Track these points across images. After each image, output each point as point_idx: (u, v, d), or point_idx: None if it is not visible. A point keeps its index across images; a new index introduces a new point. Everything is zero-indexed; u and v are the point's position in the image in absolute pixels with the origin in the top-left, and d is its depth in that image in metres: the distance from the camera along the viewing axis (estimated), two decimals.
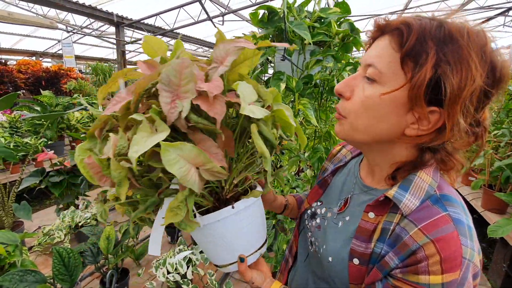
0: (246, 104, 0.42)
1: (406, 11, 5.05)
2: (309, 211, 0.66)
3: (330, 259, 0.53)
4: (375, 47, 0.44)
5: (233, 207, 0.51)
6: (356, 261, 0.48)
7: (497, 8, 5.21)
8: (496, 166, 1.99)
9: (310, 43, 0.82)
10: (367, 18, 5.56)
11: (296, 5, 0.99)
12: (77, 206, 1.83)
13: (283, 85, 0.82)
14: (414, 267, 0.40)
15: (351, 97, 0.47)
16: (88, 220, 1.65)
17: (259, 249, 0.58)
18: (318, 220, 0.62)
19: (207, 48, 9.28)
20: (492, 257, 2.19)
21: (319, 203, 0.65)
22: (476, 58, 0.38)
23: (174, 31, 4.34)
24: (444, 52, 0.38)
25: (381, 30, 0.45)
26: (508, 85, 2.27)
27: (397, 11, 5.18)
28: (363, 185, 0.56)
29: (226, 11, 3.70)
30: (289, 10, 0.91)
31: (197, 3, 3.89)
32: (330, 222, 0.58)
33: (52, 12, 4.75)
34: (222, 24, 3.59)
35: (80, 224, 1.64)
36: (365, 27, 6.25)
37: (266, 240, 0.61)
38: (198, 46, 8.66)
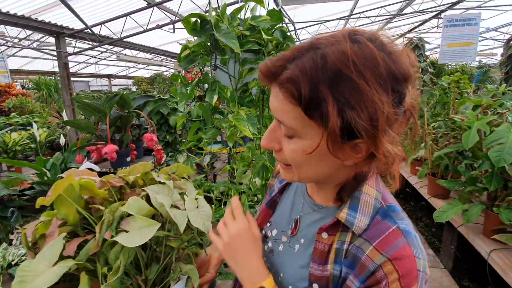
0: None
1: (351, 16, 5.38)
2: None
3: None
4: (275, 97, 0.41)
5: None
6: (315, 286, 0.47)
7: (430, 12, 5.78)
8: (435, 156, 2.16)
9: (239, 52, 0.80)
10: (317, 23, 5.82)
11: (229, 12, 0.97)
12: (10, 242, 1.61)
13: (215, 97, 0.79)
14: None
15: (282, 149, 0.45)
16: (23, 257, 1.46)
17: None
18: (270, 244, 0.59)
19: (164, 57, 9.01)
20: (442, 239, 2.37)
21: (269, 225, 0.62)
22: (376, 87, 0.36)
23: (123, 40, 4.12)
24: (342, 95, 0.35)
25: (268, 79, 0.41)
26: (441, 81, 2.47)
27: (343, 17, 5.50)
28: (312, 203, 0.54)
29: (176, 18, 3.61)
30: (219, 18, 0.88)
31: (146, 11, 3.75)
32: (286, 247, 0.55)
33: None
34: (173, 32, 3.50)
35: (13, 262, 1.44)
36: (317, 31, 6.54)
37: None
38: (154, 54, 8.36)
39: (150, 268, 0.68)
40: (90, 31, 3.50)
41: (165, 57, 9.17)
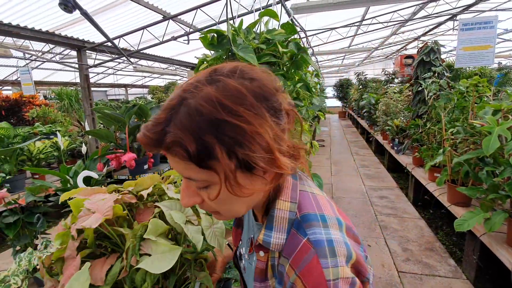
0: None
1: (363, 22, 5.36)
2: (237, 252, 0.66)
3: None
4: (171, 160, 0.41)
5: None
6: None
7: (444, 15, 5.68)
8: (454, 162, 2.10)
9: (257, 65, 0.83)
10: (329, 30, 5.83)
11: (244, 26, 1.01)
12: (35, 247, 1.68)
13: None
14: None
15: (204, 201, 0.45)
16: None
17: None
18: (243, 261, 0.61)
19: (178, 66, 9.25)
20: (464, 248, 2.29)
21: (240, 243, 0.65)
22: (254, 117, 0.37)
23: (140, 52, 4.28)
24: (227, 137, 0.36)
25: (153, 147, 0.40)
26: (459, 84, 2.41)
27: (355, 23, 5.49)
28: (256, 223, 0.56)
29: (191, 30, 3.72)
30: (236, 33, 0.92)
31: (162, 23, 3.89)
32: (247, 264, 0.58)
33: (9, 39, 4.54)
34: (188, 43, 3.60)
35: (38, 266, 1.51)
36: (328, 39, 6.55)
37: None
38: (169, 64, 8.60)
39: (169, 279, 0.71)
40: (109, 44, 3.67)
41: (179, 67, 9.41)
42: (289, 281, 0.41)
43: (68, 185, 1.87)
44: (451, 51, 9.36)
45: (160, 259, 0.60)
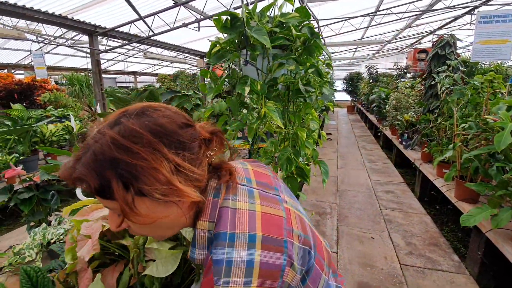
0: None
1: (378, 13, 5.23)
2: None
3: None
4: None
5: None
6: None
7: (463, 7, 5.49)
8: (464, 158, 2.08)
9: (270, 48, 0.83)
10: (342, 20, 5.72)
11: (258, 10, 1.01)
12: (49, 223, 1.75)
13: (247, 89, 0.83)
14: None
15: (130, 226, 0.49)
16: (61, 237, 1.58)
17: None
18: None
19: (187, 54, 9.23)
20: (468, 245, 2.28)
21: None
22: (150, 153, 0.42)
23: (151, 38, 4.28)
24: (125, 173, 0.41)
25: (70, 183, 0.45)
26: (474, 80, 2.37)
27: (369, 14, 5.36)
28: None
29: (202, 17, 3.70)
30: (250, 16, 0.92)
31: (173, 9, 3.88)
32: None
33: (22, 23, 4.59)
34: (198, 30, 3.59)
35: (52, 241, 1.57)
36: (340, 30, 6.42)
37: None
38: (177, 52, 8.59)
39: (176, 275, 0.74)
40: (121, 30, 3.68)
41: (188, 55, 9.40)
42: None
43: None
44: (467, 46, 9.08)
45: (164, 263, 0.64)
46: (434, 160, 2.76)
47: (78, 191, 0.99)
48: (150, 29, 4.07)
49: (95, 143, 0.43)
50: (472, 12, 5.78)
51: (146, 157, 0.42)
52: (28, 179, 1.75)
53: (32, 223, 1.79)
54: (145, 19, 4.07)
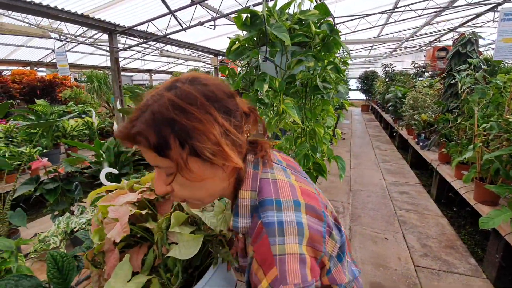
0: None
1: (395, 10, 5.11)
2: None
3: None
4: (141, 150, 0.49)
5: None
6: (245, 276, 0.55)
7: (486, 4, 5.28)
8: (485, 159, 2.02)
9: (289, 45, 0.85)
10: (358, 18, 5.63)
11: (277, 7, 1.02)
12: (72, 213, 1.84)
13: (266, 86, 0.85)
14: (255, 281, 0.46)
15: (174, 189, 0.52)
16: (83, 226, 1.66)
17: None
18: None
19: (201, 53, 9.33)
20: (486, 248, 2.22)
21: None
22: (203, 115, 0.45)
23: (167, 36, 4.37)
24: (180, 132, 0.44)
25: (127, 141, 0.48)
26: (496, 79, 2.29)
27: (387, 11, 5.25)
28: (230, 213, 0.65)
29: (217, 15, 3.73)
30: (270, 13, 0.94)
31: (189, 8, 3.93)
32: None
33: (45, 21, 4.78)
34: (214, 29, 3.63)
35: (75, 229, 1.65)
36: (356, 27, 6.32)
37: None
38: (192, 51, 8.69)
39: (195, 257, 0.78)
40: (139, 28, 3.76)
41: (202, 53, 9.49)
42: (250, 256, 0.49)
43: (101, 159, 2.00)
44: (489, 44, 8.72)
45: (186, 246, 0.68)
46: (452, 161, 2.69)
47: (102, 177, 1.04)
48: (167, 27, 4.16)
49: (154, 103, 0.46)
50: (495, 9, 5.55)
51: (200, 117, 0.45)
52: (53, 170, 1.84)
53: (56, 213, 1.89)
54: (162, 18, 4.16)
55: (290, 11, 1.05)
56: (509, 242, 1.82)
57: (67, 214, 1.82)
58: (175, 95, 0.46)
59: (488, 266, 2.14)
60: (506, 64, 4.98)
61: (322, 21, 1.00)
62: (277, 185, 0.52)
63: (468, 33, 3.47)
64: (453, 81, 3.40)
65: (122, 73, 4.20)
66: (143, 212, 0.76)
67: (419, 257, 2.36)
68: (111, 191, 0.83)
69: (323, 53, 1.05)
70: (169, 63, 12.94)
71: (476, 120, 2.53)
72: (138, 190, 0.82)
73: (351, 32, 6.56)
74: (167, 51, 7.74)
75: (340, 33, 1.05)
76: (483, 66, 3.26)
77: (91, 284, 0.69)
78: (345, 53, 1.69)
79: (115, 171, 1.29)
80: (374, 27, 6.28)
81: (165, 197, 0.87)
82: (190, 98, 0.46)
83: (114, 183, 0.95)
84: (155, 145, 0.45)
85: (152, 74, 14.53)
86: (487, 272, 2.13)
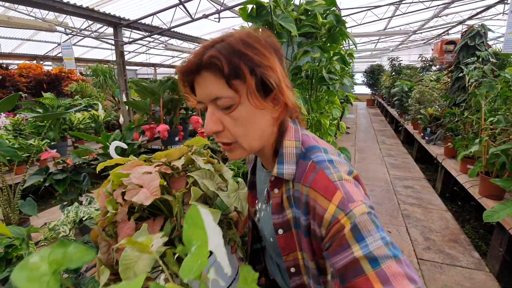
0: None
1: (403, 1, 5.02)
2: (254, 210, 0.75)
3: (271, 239, 0.63)
4: (204, 86, 0.51)
5: None
6: (280, 231, 0.58)
7: None
8: (491, 152, 2.01)
9: (296, 35, 0.85)
10: (365, 10, 5.54)
11: None
12: (80, 203, 1.88)
13: None
14: (318, 212, 0.48)
15: (224, 129, 0.53)
16: (92, 215, 1.70)
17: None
18: (257, 215, 0.71)
19: None
20: (490, 242, 2.22)
21: (256, 201, 0.73)
22: (267, 52, 0.50)
23: (172, 30, 4.36)
24: (249, 61, 0.48)
25: (194, 68, 0.51)
26: (505, 72, 2.26)
27: (395, 2, 5.16)
28: (267, 172, 0.65)
29: (222, 8, 3.71)
30: (276, 4, 0.94)
31: (194, 1, 3.92)
32: (264, 212, 0.68)
33: (50, 15, 4.80)
34: (218, 21, 3.61)
35: (84, 218, 1.69)
36: (363, 19, 6.23)
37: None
38: (196, 44, 8.66)
39: None
40: (144, 22, 3.76)
41: None
42: (304, 196, 0.51)
43: (108, 151, 2.03)
44: (499, 37, 8.53)
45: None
46: (458, 155, 2.68)
47: (112, 150, 1.06)
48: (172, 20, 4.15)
49: (228, 37, 0.51)
50: (505, 1, 5.42)
51: (266, 54, 0.50)
52: (61, 161, 1.88)
53: (65, 203, 1.93)
54: (167, 11, 4.14)
55: (296, 1, 1.04)
56: None
57: (76, 204, 1.86)
58: (245, 34, 0.51)
59: (491, 260, 2.14)
60: None
61: (328, 12, 1.00)
62: (317, 139, 0.59)
63: (477, 25, 3.40)
64: (460, 74, 3.36)
65: (127, 67, 4.22)
66: (165, 183, 0.77)
67: (422, 250, 2.37)
68: (120, 165, 0.84)
69: (329, 44, 1.04)
70: (174, 56, 12.92)
71: (483, 114, 2.50)
72: (154, 164, 0.83)
73: (357, 25, 6.47)
74: (172, 44, 7.73)
75: (346, 26, 1.04)
76: (491, 59, 3.20)
77: (99, 255, 0.71)
78: (351, 46, 1.67)
79: (125, 146, 1.32)
80: (381, 19, 6.18)
81: (180, 174, 0.88)
82: (257, 38, 0.51)
83: (123, 157, 0.96)
84: (226, 72, 0.47)
85: (157, 68, 14.55)
86: (490, 265, 2.13)
